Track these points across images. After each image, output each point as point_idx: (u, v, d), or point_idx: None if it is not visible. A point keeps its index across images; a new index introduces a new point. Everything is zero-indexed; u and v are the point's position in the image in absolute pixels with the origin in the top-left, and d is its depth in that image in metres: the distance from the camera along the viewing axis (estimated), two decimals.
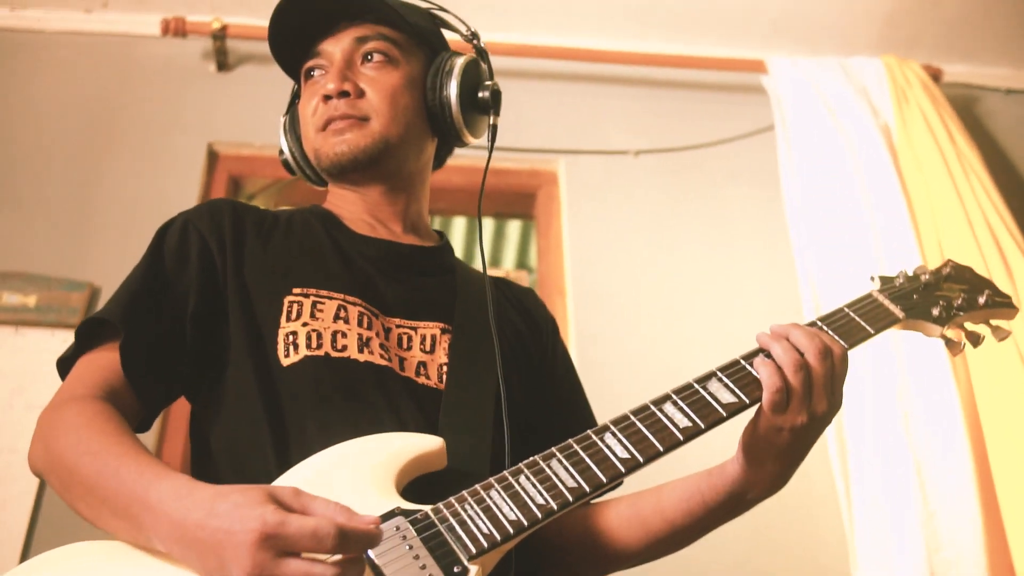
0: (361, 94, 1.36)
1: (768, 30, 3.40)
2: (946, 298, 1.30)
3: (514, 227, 3.62)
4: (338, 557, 0.87)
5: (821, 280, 2.87)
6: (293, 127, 1.48)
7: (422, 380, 1.25)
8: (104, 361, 1.17)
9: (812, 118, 3.16)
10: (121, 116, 3.03)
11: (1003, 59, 3.61)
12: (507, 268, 4.27)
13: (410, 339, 1.29)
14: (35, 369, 2.59)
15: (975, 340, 1.29)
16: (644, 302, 2.98)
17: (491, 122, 1.45)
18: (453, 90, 1.40)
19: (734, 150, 3.28)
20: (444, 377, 1.27)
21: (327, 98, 1.36)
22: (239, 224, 1.33)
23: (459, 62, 1.42)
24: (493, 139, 1.45)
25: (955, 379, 2.60)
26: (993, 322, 1.33)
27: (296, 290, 1.25)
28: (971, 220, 2.90)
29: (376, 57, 1.39)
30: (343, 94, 1.35)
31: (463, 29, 1.51)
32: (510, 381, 1.30)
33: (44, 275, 2.69)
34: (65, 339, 2.63)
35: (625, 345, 2.86)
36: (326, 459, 1.08)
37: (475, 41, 1.51)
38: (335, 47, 1.39)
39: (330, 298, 1.25)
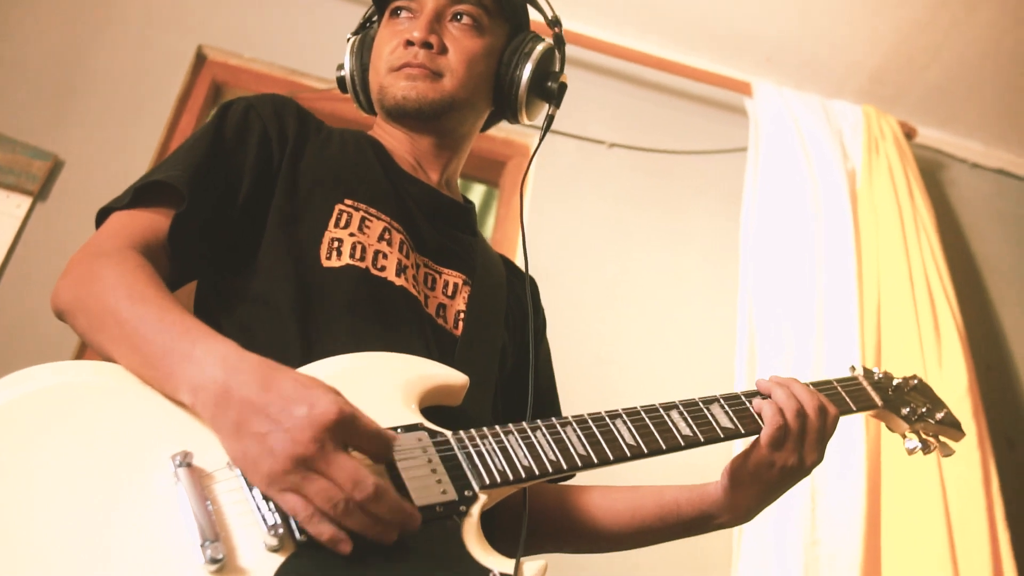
0: (443, 50, 1.40)
1: (761, 58, 3.49)
2: (912, 405, 1.47)
3: (477, 192, 3.68)
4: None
5: (759, 299, 2.96)
6: (360, 51, 1.51)
7: (440, 321, 1.31)
8: (148, 222, 1.17)
9: (784, 148, 3.25)
10: None
11: (975, 134, 3.74)
12: None
13: (435, 280, 1.34)
14: None
15: (926, 447, 1.44)
16: (588, 288, 3.04)
17: (549, 112, 1.49)
18: (526, 73, 1.45)
19: (705, 163, 3.37)
20: (460, 323, 1.32)
21: (409, 43, 1.39)
22: (303, 123, 1.37)
23: (539, 47, 1.47)
24: (547, 128, 1.50)
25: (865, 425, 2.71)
26: (941, 438, 1.49)
27: (348, 201, 1.28)
28: (913, 277, 3.01)
29: (465, 19, 1.42)
30: (426, 45, 1.38)
31: (548, 13, 1.54)
32: (513, 343, 1.38)
33: (11, 137, 2.69)
34: (18, 204, 2.64)
35: (560, 327, 2.89)
36: (355, 362, 1.10)
37: (556, 29, 1.54)
38: None
39: (378, 218, 1.29)
